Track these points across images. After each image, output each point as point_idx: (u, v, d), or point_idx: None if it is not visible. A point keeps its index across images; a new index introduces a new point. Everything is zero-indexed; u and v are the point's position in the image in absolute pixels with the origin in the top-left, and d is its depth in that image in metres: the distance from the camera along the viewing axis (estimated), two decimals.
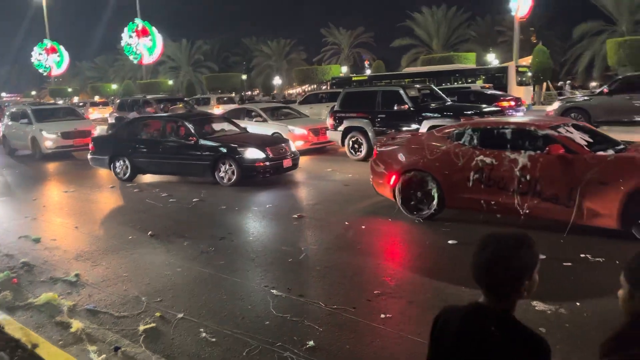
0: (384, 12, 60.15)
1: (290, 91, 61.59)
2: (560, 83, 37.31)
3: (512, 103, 18.14)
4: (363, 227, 6.96)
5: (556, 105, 17.12)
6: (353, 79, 32.26)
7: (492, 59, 40.40)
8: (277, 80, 60.07)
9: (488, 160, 6.51)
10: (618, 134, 11.61)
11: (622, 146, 6.47)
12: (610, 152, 6.15)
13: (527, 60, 31.91)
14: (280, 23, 63.16)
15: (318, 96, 23.75)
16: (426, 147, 7.20)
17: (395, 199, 7.32)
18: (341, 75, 40.21)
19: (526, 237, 1.62)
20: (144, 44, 39.27)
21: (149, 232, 7.04)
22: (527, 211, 6.25)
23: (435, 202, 6.94)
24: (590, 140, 6.45)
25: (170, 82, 54.79)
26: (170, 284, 5.15)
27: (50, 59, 49.15)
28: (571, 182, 5.91)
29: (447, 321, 1.66)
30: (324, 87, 39.12)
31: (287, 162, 10.61)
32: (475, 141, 6.81)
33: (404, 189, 7.20)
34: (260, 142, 10.66)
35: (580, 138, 6.36)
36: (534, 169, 6.15)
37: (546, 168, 6.09)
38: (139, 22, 39.04)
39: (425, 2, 50.55)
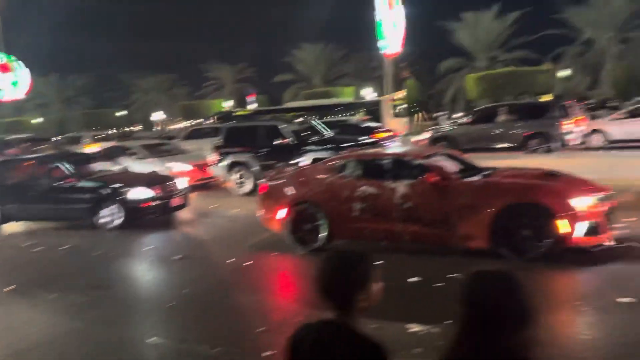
0: (267, 48, 61.40)
1: (174, 126, 59.92)
2: (438, 113, 40.38)
3: (386, 134, 19.20)
4: (250, 262, 6.88)
5: (427, 135, 18.46)
6: (236, 114, 32.25)
7: (370, 93, 42.71)
8: (158, 116, 58.24)
9: (371, 190, 6.81)
10: (482, 160, 12.80)
11: (488, 172, 7.04)
12: (478, 177, 6.71)
13: (401, 94, 34.20)
14: (160, 58, 61.86)
15: (202, 131, 23.36)
16: (313, 180, 7.38)
17: (284, 232, 7.34)
18: (225, 109, 40.05)
19: (360, 255, 1.78)
20: (9, 80, 36.14)
21: (10, 287, 6.37)
22: (410, 237, 6.62)
23: (323, 233, 7.05)
24: (461, 167, 7.06)
25: (39, 120, 50.77)
26: (35, 343, 4.68)
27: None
28: (446, 208, 6.35)
29: (301, 339, 1.73)
30: (208, 122, 38.61)
31: (175, 201, 10.18)
32: (358, 172, 7.12)
33: (293, 222, 7.24)
34: (146, 180, 10.17)
35: (451, 166, 6.93)
36: (413, 196, 6.53)
37: (423, 195, 6.50)
38: (2, 57, 35.98)
39: (306, 39, 52.42)
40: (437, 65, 44.38)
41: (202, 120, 43.34)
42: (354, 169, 7.20)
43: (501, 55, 42.12)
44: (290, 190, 7.48)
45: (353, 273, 1.70)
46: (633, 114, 18.04)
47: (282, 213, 7.35)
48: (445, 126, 19.20)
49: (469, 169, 7.17)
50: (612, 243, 6.12)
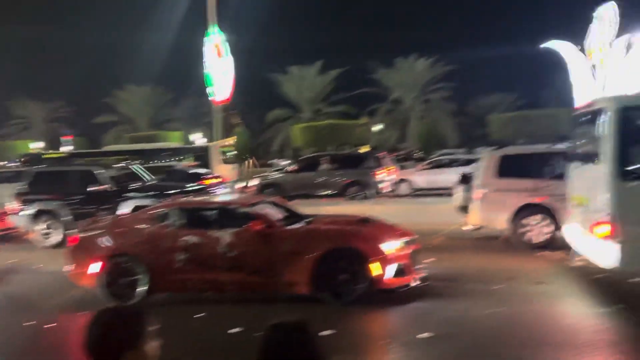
0: (89, 87, 57.18)
1: None
2: (274, 160, 41.19)
3: (215, 181, 19.03)
4: (54, 324, 6.08)
5: (256, 181, 18.72)
6: (46, 156, 29.18)
7: (199, 138, 42.21)
8: None
9: (194, 239, 6.64)
10: (307, 207, 13.33)
11: (309, 219, 7.34)
12: (300, 225, 6.94)
13: (230, 140, 34.38)
14: None
15: (1, 175, 20.56)
16: (132, 230, 6.97)
17: (98, 288, 6.72)
18: (33, 152, 35.97)
19: (134, 312, 1.73)
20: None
21: None
22: (235, 286, 6.55)
23: (143, 287, 6.62)
24: (285, 214, 7.24)
25: None
26: None
27: None
28: (270, 255, 6.45)
29: None
30: (12, 165, 34.20)
31: None
32: (181, 221, 6.88)
33: (109, 276, 6.71)
34: None
35: (275, 213, 7.06)
36: (238, 245, 6.50)
37: (248, 243, 6.52)
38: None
39: (132, 80, 50.13)
40: (266, 114, 45.84)
41: (5, 162, 38.35)
42: (177, 217, 6.95)
43: (324, 108, 45.25)
44: (105, 242, 6.95)
45: (122, 331, 1.61)
46: (434, 166, 20.58)
47: (95, 267, 6.74)
48: (273, 173, 19.72)
49: (292, 217, 7.39)
50: (417, 283, 6.71)
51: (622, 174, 5.95)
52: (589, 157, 6.79)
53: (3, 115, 54.13)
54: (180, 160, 25.49)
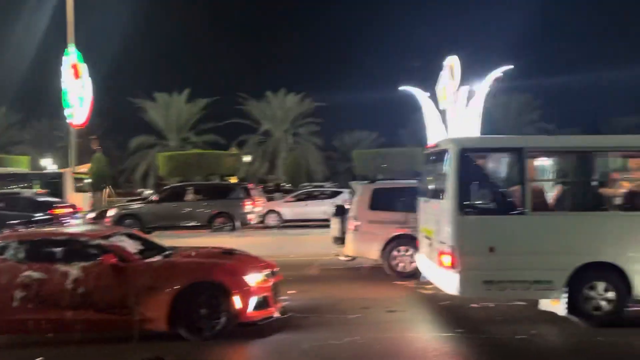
0: None
1: None
2: (142, 189, 38.82)
3: (68, 210, 17.54)
4: None
5: (113, 212, 17.55)
6: None
7: (50, 164, 38.69)
8: None
9: (36, 275, 6.06)
10: (170, 239, 12.77)
11: (169, 252, 7.03)
12: (159, 258, 6.61)
13: (87, 167, 31.97)
14: None
15: None
16: None
17: None
18: None
19: None
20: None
21: None
22: (83, 325, 6.03)
23: None
24: (142, 247, 6.82)
25: None
26: None
27: None
28: (125, 290, 6.04)
29: None
30: None
31: None
32: (22, 255, 6.23)
33: None
34: None
35: (132, 246, 6.63)
36: (87, 280, 6.04)
37: (100, 278, 6.08)
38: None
39: None
40: (129, 140, 43.59)
41: None
42: (16, 250, 6.25)
43: (192, 137, 44.20)
44: None
45: None
46: (300, 198, 21.05)
47: None
48: (132, 204, 18.66)
49: (151, 249, 7.02)
50: (278, 315, 6.73)
51: (462, 208, 6.56)
52: (436, 193, 7.37)
53: None
54: (27, 187, 23.14)
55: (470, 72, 18.53)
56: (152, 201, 18.00)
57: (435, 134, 18.88)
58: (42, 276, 6.08)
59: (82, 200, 23.73)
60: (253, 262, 7.02)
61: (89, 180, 26.44)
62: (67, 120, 28.90)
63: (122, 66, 43.01)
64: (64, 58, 26.94)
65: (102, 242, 6.43)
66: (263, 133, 46.97)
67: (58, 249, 6.34)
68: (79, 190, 24.52)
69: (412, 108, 19.39)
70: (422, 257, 8.20)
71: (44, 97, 39.93)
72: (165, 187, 19.99)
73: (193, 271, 6.41)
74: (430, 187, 7.93)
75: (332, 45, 72.12)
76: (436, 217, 7.18)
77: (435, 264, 7.15)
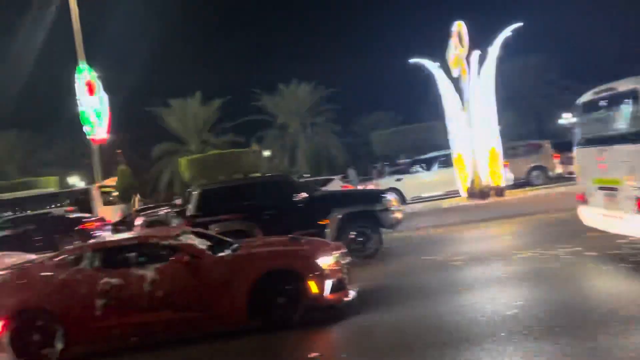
0: None
1: None
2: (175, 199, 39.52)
3: (97, 224, 17.93)
4: None
5: (140, 221, 17.79)
6: None
7: (77, 181, 39.55)
8: None
9: (114, 281, 6.07)
10: None
11: (236, 245, 6.94)
12: (228, 252, 6.54)
13: (114, 180, 32.57)
14: None
15: None
16: (39, 280, 6.21)
17: (5, 352, 5.92)
18: None
19: None
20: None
21: None
22: (165, 326, 6.07)
23: (59, 343, 5.92)
24: (210, 243, 6.78)
25: None
26: None
27: None
28: (200, 287, 6.07)
29: None
30: None
31: None
32: (97, 263, 6.28)
33: (16, 336, 5.92)
34: None
35: (200, 243, 6.60)
36: (163, 281, 6.06)
37: (175, 278, 6.10)
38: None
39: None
40: (151, 149, 44.16)
41: None
42: (91, 259, 6.30)
43: (211, 138, 44.49)
44: (7, 297, 6.12)
45: None
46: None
47: None
48: (158, 210, 18.91)
49: (218, 244, 6.96)
50: (354, 296, 6.58)
51: None
52: (618, 139, 6.65)
53: None
54: (58, 206, 23.72)
55: (480, 37, 18.08)
56: (176, 206, 18.20)
57: (450, 103, 18.52)
58: (120, 282, 6.10)
59: (112, 212, 24.22)
60: (322, 245, 6.93)
61: (115, 193, 26.91)
62: (89, 137, 29.48)
63: (135, 76, 43.43)
64: (76, 76, 27.41)
65: (173, 242, 6.41)
66: (280, 126, 47.00)
67: (131, 254, 6.40)
68: (107, 203, 25.02)
69: (427, 81, 19.04)
70: (593, 210, 7.52)
71: (65, 116, 40.68)
72: (187, 190, 20.18)
73: (266, 260, 6.36)
74: (607, 134, 7.05)
75: (340, 29, 71.45)
76: (632, 162, 6.38)
77: (630, 212, 6.47)
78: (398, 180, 20.28)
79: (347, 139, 48.99)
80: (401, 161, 27.94)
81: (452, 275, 7.88)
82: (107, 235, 17.51)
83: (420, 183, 20.07)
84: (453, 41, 17.56)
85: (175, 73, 53.09)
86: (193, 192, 11.00)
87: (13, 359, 5.97)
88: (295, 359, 5.45)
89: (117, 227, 19.05)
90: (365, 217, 10.22)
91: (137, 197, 30.96)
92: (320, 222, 10.05)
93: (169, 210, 18.45)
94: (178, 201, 18.76)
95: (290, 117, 46.70)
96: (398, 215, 10.59)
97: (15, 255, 11.10)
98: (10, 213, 22.74)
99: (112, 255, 6.51)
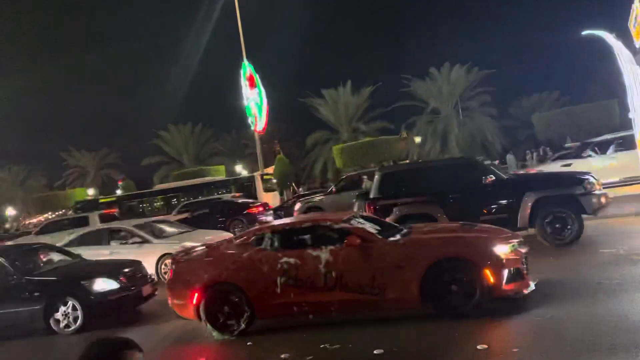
0: (130, 132, 59.83)
1: (31, 220, 54.62)
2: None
3: (261, 208, 19.23)
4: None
5: (298, 206, 18.72)
6: (101, 200, 30.40)
7: (241, 170, 42.96)
8: (10, 211, 52.76)
9: (292, 261, 6.31)
10: None
11: (405, 230, 6.79)
12: (399, 236, 6.46)
13: (272, 169, 34.82)
14: (13, 149, 56.56)
15: (59, 223, 21.48)
16: (227, 257, 6.73)
17: (200, 319, 6.58)
18: (88, 198, 37.58)
19: (124, 341, 1.89)
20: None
21: None
22: (339, 306, 6.24)
23: (245, 315, 6.45)
24: (379, 227, 6.82)
25: None
26: None
27: None
28: (372, 271, 6.06)
29: None
30: (69, 213, 35.78)
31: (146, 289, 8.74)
32: (276, 244, 6.62)
33: (209, 305, 6.53)
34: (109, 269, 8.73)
35: (370, 228, 6.66)
36: (337, 262, 6.16)
37: (348, 260, 6.17)
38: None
39: (171, 120, 51.85)
40: (305, 139, 46.22)
41: (64, 211, 40.16)
42: (272, 240, 6.68)
43: (362, 126, 45.12)
44: (203, 271, 6.74)
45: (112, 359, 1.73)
46: None
47: (195, 297, 6.58)
48: (314, 196, 19.69)
49: (387, 229, 6.96)
50: (533, 287, 6.15)
51: None
52: None
53: (59, 167, 57.03)
54: (227, 192, 26.02)
55: None
56: (331, 192, 18.78)
57: (632, 78, 16.31)
58: (297, 262, 6.28)
59: (272, 198, 25.88)
60: (498, 233, 6.58)
61: (275, 181, 28.67)
62: (251, 128, 31.79)
63: (289, 70, 45.76)
64: (241, 72, 29.66)
65: (344, 225, 6.48)
66: (431, 111, 45.94)
67: (306, 236, 6.61)
68: (267, 190, 26.79)
69: (598, 56, 17.01)
70: None
71: (230, 110, 44.28)
72: (341, 178, 20.70)
73: (440, 247, 6.16)
74: None
75: (494, 3, 67.26)
76: None
77: None
78: (566, 165, 18.44)
79: (505, 122, 46.18)
80: (568, 145, 25.51)
81: (636, 271, 6.95)
82: (270, 219, 18.81)
83: (593, 169, 18.04)
84: (636, 7, 15.38)
85: (327, 64, 54.82)
86: (375, 175, 10.90)
87: (207, 325, 6.48)
88: (462, 348, 5.22)
89: (277, 212, 20.26)
90: (562, 201, 9.37)
91: (293, 186, 32.63)
92: (510, 207, 9.46)
93: (323, 196, 19.15)
94: (333, 188, 19.26)
95: (442, 101, 45.39)
96: (603, 199, 9.46)
97: (212, 233, 12.50)
98: (186, 199, 25.56)
99: (289, 236, 6.70)
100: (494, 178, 9.68)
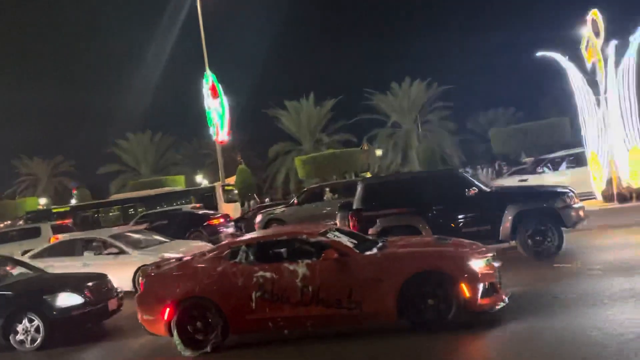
0: (86, 139, 58.12)
1: None
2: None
3: (222, 220, 18.93)
4: None
5: (259, 218, 18.54)
6: (54, 210, 29.30)
7: (202, 180, 42.32)
8: None
9: (268, 275, 6.22)
10: None
11: (381, 243, 6.78)
12: (375, 250, 6.44)
13: (233, 179, 34.42)
14: None
15: (8, 235, 20.49)
16: (201, 271, 6.53)
17: (171, 335, 6.38)
18: (40, 207, 36.19)
19: None
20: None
21: None
22: (314, 321, 6.15)
23: (217, 330, 6.27)
24: (355, 241, 6.75)
25: None
26: None
27: None
28: (349, 285, 6.00)
29: None
30: (19, 224, 34.29)
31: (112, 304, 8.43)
32: (251, 257, 6.47)
33: (181, 321, 6.33)
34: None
35: (346, 241, 6.58)
36: (314, 276, 6.09)
37: (325, 274, 6.10)
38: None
39: (131, 128, 50.64)
40: (267, 149, 46.05)
41: (13, 221, 38.48)
42: (247, 253, 6.51)
43: (324, 138, 45.35)
44: (175, 285, 6.53)
45: None
46: None
47: (167, 312, 6.38)
48: (276, 209, 19.54)
49: (362, 242, 6.93)
50: (506, 301, 6.15)
51: None
52: None
53: (9, 175, 54.69)
54: (186, 203, 25.49)
55: (617, 26, 16.38)
56: (292, 204, 18.70)
57: (583, 99, 17.00)
58: (273, 276, 6.19)
59: (233, 209, 25.53)
60: (473, 247, 6.57)
61: (236, 191, 28.34)
62: (213, 138, 31.40)
63: (252, 81, 45.65)
64: (203, 82, 29.33)
65: (322, 238, 6.42)
66: (392, 125, 46.66)
67: (282, 249, 6.50)
68: (229, 201, 26.42)
69: (551, 75, 17.66)
70: None
71: (191, 119, 43.71)
72: (303, 190, 20.67)
73: (417, 260, 6.13)
74: None
75: (453, 24, 69.25)
76: None
77: None
78: (522, 181, 19.03)
79: (463, 136, 47.41)
80: (524, 160, 26.33)
81: (590, 285, 7.18)
82: (231, 232, 18.52)
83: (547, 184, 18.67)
84: (587, 30, 16.08)
85: (291, 76, 54.92)
86: (357, 185, 10.77)
87: (177, 341, 6.28)
88: None
89: (237, 224, 19.99)
90: (543, 214, 9.50)
91: (255, 197, 32.34)
92: (492, 219, 9.47)
93: (285, 208, 19.05)
94: (294, 200, 19.19)
95: (402, 115, 46.19)
96: (581, 213, 9.65)
97: (191, 243, 12.25)
98: (144, 209, 24.91)
99: (265, 250, 6.58)
100: (477, 190, 9.71)
